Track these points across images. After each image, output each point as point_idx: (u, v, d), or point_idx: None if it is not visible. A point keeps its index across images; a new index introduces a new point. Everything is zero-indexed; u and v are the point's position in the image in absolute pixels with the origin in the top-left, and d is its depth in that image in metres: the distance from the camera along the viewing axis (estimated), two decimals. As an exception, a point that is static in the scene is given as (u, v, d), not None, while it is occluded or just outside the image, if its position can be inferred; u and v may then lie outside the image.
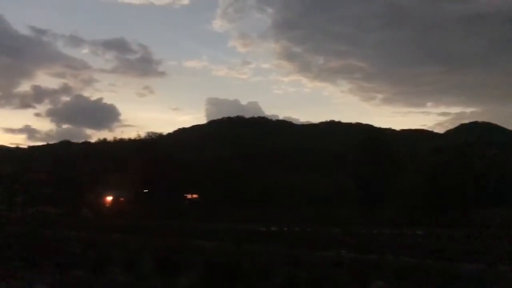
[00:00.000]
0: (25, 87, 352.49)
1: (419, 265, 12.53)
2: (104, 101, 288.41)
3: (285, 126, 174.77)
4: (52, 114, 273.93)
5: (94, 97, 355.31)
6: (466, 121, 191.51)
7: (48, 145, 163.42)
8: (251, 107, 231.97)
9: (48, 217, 51.45)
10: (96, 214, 61.05)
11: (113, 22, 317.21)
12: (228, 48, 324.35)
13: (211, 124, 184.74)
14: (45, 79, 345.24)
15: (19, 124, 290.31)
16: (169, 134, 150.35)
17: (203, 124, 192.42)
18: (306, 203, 62.12)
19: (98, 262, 14.23)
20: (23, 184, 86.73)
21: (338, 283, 11.08)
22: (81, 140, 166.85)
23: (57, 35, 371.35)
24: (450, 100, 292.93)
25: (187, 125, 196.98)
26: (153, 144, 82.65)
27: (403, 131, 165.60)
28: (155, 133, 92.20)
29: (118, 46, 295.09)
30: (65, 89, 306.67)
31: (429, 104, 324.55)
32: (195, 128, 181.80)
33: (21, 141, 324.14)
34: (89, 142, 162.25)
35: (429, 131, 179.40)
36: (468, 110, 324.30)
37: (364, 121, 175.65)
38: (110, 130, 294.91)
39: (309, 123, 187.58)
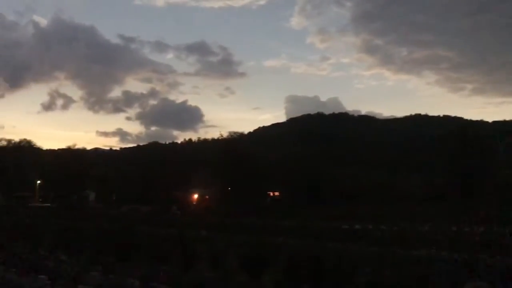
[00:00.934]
0: (116, 92, 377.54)
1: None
2: (189, 103, 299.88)
3: (368, 122, 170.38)
4: (141, 118, 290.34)
5: (179, 100, 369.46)
6: None
7: (138, 146, 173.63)
8: (331, 103, 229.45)
9: (140, 214, 54.40)
10: (183, 212, 63.39)
11: (194, 26, 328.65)
12: (306, 45, 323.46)
13: (291, 122, 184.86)
14: (134, 85, 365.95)
15: (112, 128, 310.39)
16: (250, 133, 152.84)
17: (283, 122, 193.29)
18: (393, 200, 60.00)
19: (186, 258, 14.70)
20: (116, 183, 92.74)
21: (428, 283, 10.52)
22: (168, 141, 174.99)
23: (144, 42, 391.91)
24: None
25: (267, 123, 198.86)
26: (235, 143, 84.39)
27: (496, 123, 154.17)
28: (237, 132, 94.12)
29: (199, 49, 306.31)
30: (152, 93, 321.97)
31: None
32: (275, 126, 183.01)
33: (114, 143, 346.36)
34: (176, 143, 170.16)
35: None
36: None
37: (453, 113, 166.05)
38: (195, 130, 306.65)
39: (393, 117, 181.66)
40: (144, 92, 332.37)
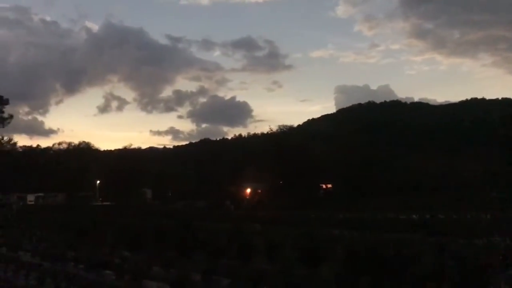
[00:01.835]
0: (167, 92, 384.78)
1: None
2: (237, 99, 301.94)
3: (422, 108, 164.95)
4: (192, 115, 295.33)
5: (228, 96, 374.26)
6: None
7: (190, 143, 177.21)
8: (382, 91, 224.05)
9: (195, 210, 55.64)
10: (237, 206, 64.14)
11: (239, 22, 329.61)
12: (354, 33, 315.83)
13: (341, 112, 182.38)
14: (184, 84, 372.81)
15: (164, 127, 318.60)
16: (299, 126, 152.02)
17: (332, 113, 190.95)
18: (451, 188, 58.05)
19: (243, 251, 14.96)
20: (171, 180, 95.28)
21: (491, 273, 10.17)
22: (218, 138, 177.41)
23: (191, 41, 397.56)
24: None
25: (317, 115, 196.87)
26: (285, 137, 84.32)
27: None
28: (286, 125, 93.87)
29: (245, 45, 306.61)
30: (202, 91, 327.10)
31: None
32: (325, 117, 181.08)
33: (167, 141, 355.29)
34: (226, 139, 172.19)
35: None
36: None
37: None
38: (244, 126, 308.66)
39: (448, 102, 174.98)
40: (194, 90, 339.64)
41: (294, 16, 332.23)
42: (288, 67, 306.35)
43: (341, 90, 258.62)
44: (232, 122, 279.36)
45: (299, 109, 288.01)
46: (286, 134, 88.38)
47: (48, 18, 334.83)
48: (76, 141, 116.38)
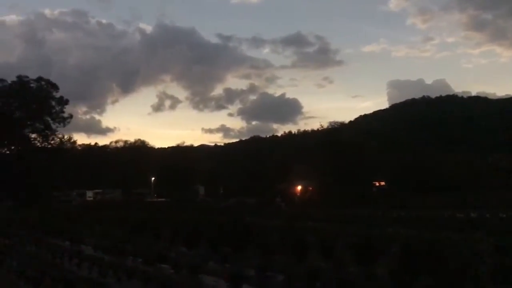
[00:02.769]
0: (218, 90, 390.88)
1: None
2: (287, 96, 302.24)
3: (480, 103, 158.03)
4: (242, 113, 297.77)
5: (278, 93, 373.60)
6: None
7: (240, 141, 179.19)
8: (437, 85, 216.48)
9: (247, 206, 56.20)
10: (288, 203, 64.14)
11: (289, 19, 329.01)
12: (406, 26, 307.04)
13: (394, 108, 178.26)
14: (234, 82, 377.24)
15: (216, 124, 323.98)
16: (350, 122, 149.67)
17: (385, 109, 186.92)
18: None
19: (296, 249, 15.03)
20: (223, 177, 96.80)
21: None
22: (269, 135, 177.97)
23: (241, 39, 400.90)
24: None
25: (369, 111, 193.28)
26: (336, 133, 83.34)
27: None
28: (337, 122, 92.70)
29: (295, 41, 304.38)
30: (252, 89, 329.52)
31: None
32: (377, 113, 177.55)
33: (218, 139, 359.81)
34: (276, 136, 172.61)
35: None
36: None
37: None
38: (294, 123, 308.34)
39: (509, 96, 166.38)
40: (244, 88, 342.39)
41: (344, 10, 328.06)
42: (339, 62, 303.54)
43: (394, 85, 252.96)
44: (282, 119, 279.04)
45: (350, 105, 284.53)
46: (337, 131, 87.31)
47: (104, 21, 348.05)
48: (131, 139, 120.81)
